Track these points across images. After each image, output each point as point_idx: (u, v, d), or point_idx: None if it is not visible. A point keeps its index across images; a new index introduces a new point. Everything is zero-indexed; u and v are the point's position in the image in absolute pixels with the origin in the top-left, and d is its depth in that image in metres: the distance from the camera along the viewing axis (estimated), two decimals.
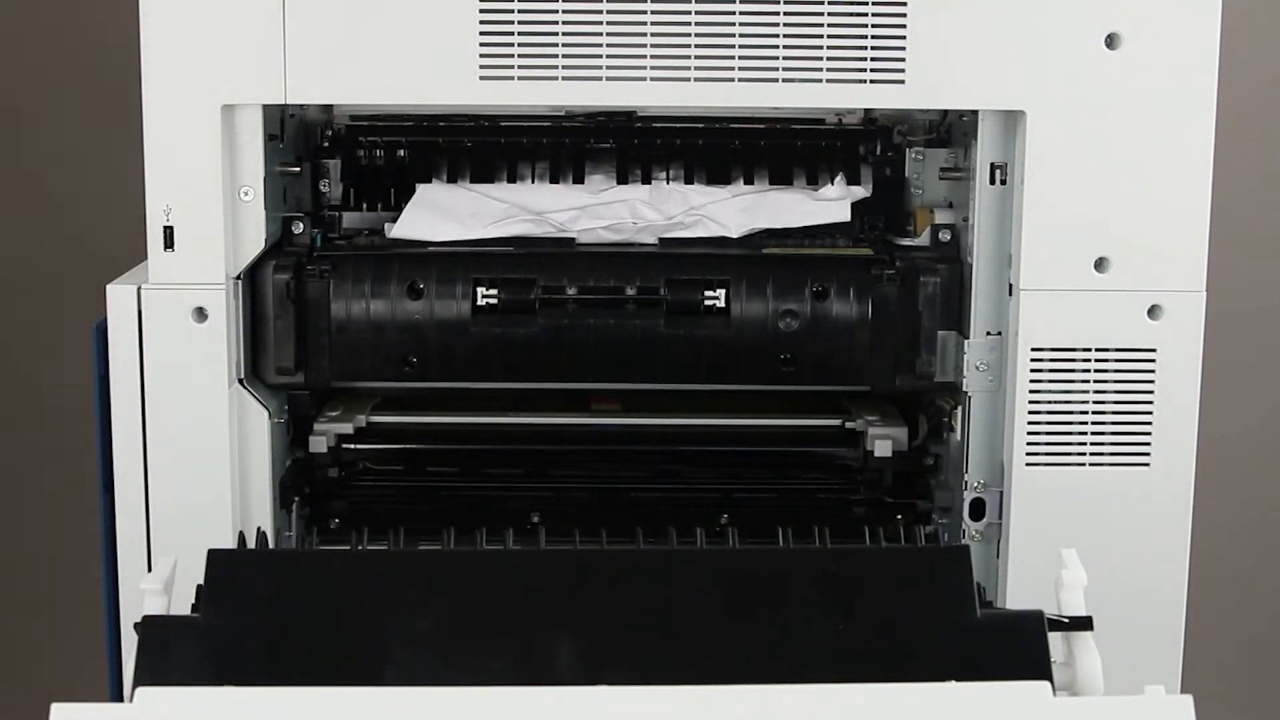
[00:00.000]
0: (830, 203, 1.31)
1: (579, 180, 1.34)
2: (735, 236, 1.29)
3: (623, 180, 1.34)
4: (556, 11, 1.18)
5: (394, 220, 1.31)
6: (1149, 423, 1.23)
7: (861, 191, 1.33)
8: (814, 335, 1.27)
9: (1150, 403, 1.23)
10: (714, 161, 1.34)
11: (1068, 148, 1.20)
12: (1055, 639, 1.00)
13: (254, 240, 1.22)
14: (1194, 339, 1.22)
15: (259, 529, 1.13)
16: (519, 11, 1.18)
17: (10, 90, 1.89)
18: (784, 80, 1.19)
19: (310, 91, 1.18)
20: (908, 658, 1.00)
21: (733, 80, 1.19)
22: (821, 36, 1.18)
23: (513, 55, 1.18)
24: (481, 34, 1.18)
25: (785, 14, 1.18)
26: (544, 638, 1.00)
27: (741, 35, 1.18)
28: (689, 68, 1.19)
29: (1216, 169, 1.20)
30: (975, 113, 1.24)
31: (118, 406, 1.22)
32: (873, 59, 1.18)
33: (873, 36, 1.18)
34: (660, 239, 1.30)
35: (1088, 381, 1.23)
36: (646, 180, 1.34)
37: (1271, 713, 2.10)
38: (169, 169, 1.19)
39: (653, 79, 1.19)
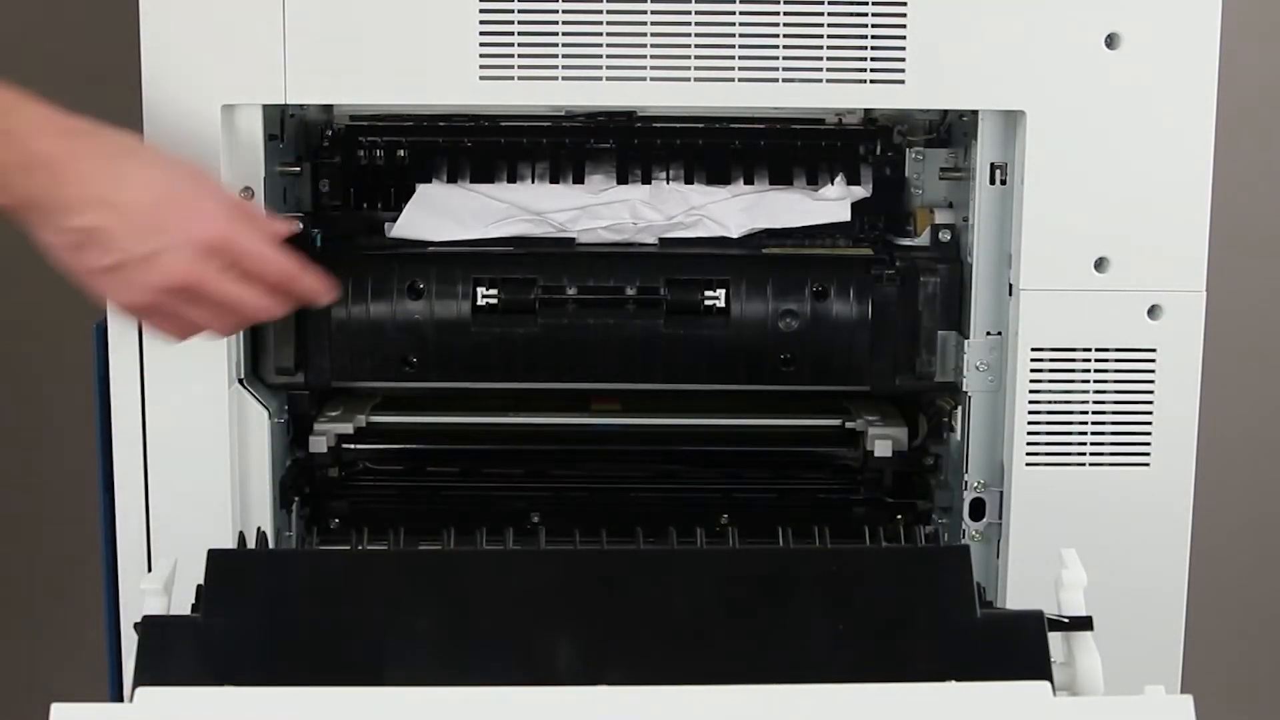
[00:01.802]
0: (830, 203, 1.30)
1: (579, 180, 1.34)
2: (735, 236, 1.29)
3: (623, 180, 1.34)
4: (556, 11, 1.18)
5: (394, 220, 1.31)
6: (1149, 423, 1.23)
7: (861, 191, 1.33)
8: (814, 335, 1.27)
9: (1150, 403, 1.23)
10: (714, 161, 1.34)
11: (1068, 148, 1.20)
12: (1055, 639, 1.00)
13: None
14: (1194, 339, 1.22)
15: (259, 529, 1.13)
16: (519, 11, 1.18)
17: None
18: (784, 80, 1.19)
19: (310, 91, 1.18)
20: (908, 658, 1.00)
21: (733, 80, 1.19)
22: (821, 36, 1.18)
23: (513, 55, 1.18)
24: (481, 34, 1.18)
25: (785, 14, 1.18)
26: (544, 637, 1.00)
27: (741, 35, 1.18)
28: (689, 68, 1.19)
29: (1216, 169, 1.20)
30: (975, 113, 1.24)
31: (118, 406, 1.22)
32: (873, 59, 1.18)
33: (873, 36, 1.18)
34: (660, 239, 1.30)
35: (1088, 381, 1.23)
36: (646, 180, 1.34)
37: (1271, 713, 2.10)
38: None
39: (653, 79, 1.19)
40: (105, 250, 1.06)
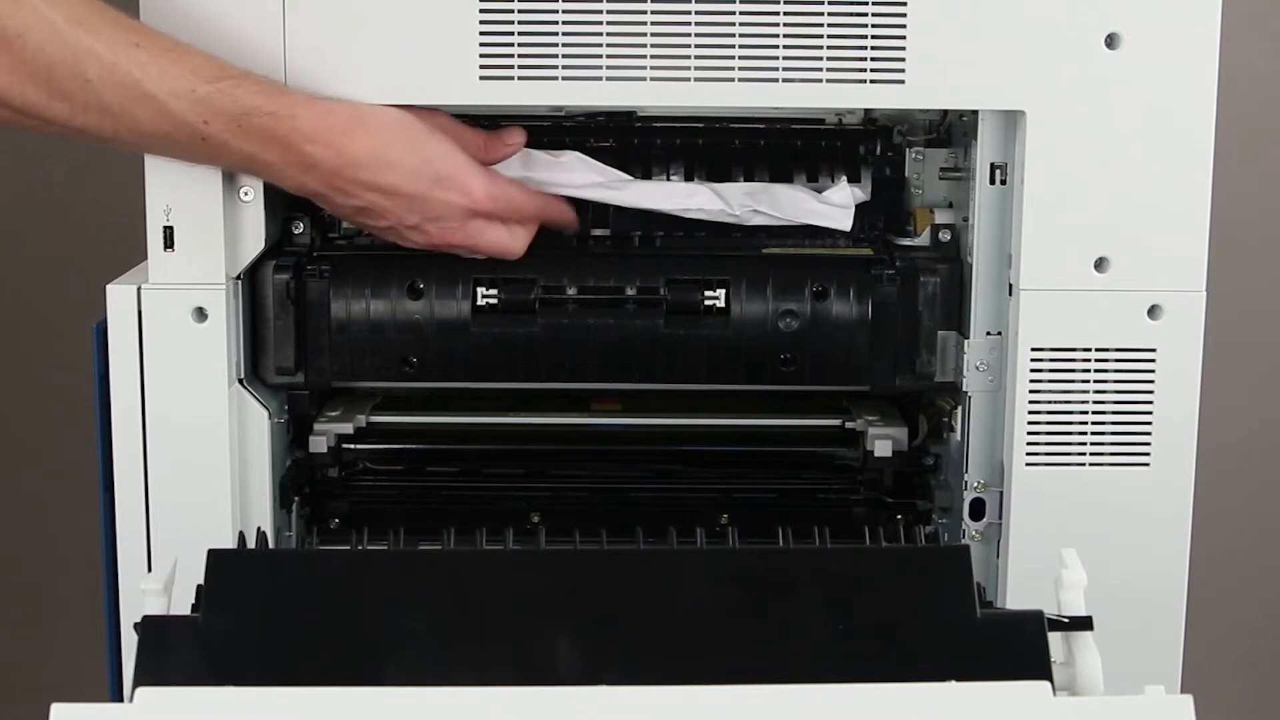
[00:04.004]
0: (834, 208, 1.30)
1: (576, 204, 1.33)
2: (735, 212, 1.28)
3: None
4: (556, 12, 1.18)
5: None
6: (1149, 423, 1.23)
7: (862, 195, 1.32)
8: (814, 335, 1.27)
9: (1150, 403, 1.23)
10: (714, 161, 1.34)
11: (1068, 148, 1.20)
12: (1055, 639, 1.00)
13: (254, 240, 1.22)
14: (1194, 339, 1.22)
15: (259, 529, 1.13)
16: (519, 11, 1.18)
17: None
18: (784, 80, 1.19)
19: (310, 91, 1.18)
20: (908, 658, 1.00)
21: (733, 80, 1.19)
22: (821, 36, 1.18)
23: (513, 55, 1.18)
24: (481, 34, 1.18)
25: (785, 14, 1.18)
26: (544, 637, 1.00)
27: (741, 35, 1.18)
28: (689, 68, 1.19)
29: (1216, 169, 1.20)
30: (975, 113, 1.24)
31: (118, 406, 1.22)
32: (873, 59, 1.18)
33: (873, 36, 1.18)
34: (659, 240, 1.30)
35: (1088, 381, 1.23)
36: (646, 179, 1.34)
37: (1271, 713, 2.10)
38: (169, 169, 1.19)
39: (653, 79, 1.19)
40: (377, 218, 1.20)
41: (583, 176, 1.29)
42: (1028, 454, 1.23)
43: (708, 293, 1.27)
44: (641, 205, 1.29)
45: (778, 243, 1.31)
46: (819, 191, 1.31)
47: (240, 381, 1.25)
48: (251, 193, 1.21)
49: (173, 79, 1.09)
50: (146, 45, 1.10)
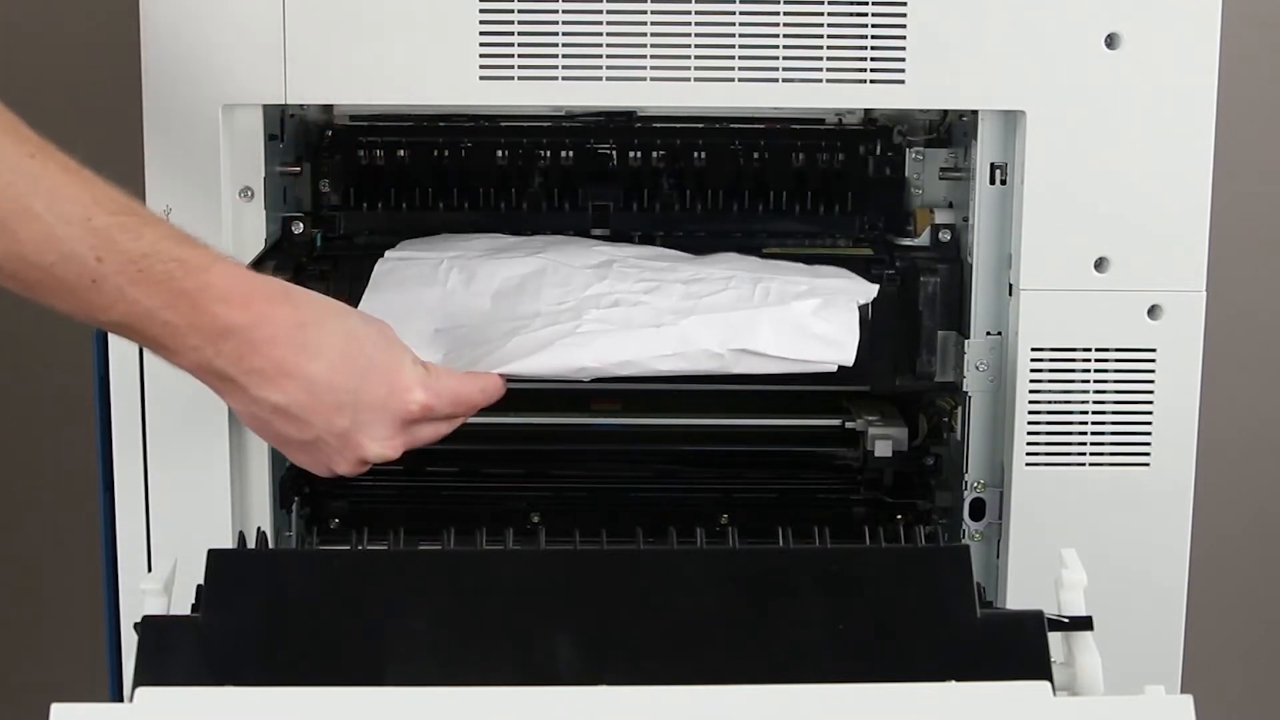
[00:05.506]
0: (834, 339, 1.17)
1: (572, 197, 1.33)
2: (721, 353, 1.14)
3: (626, 186, 1.33)
4: (556, 11, 1.18)
5: (393, 220, 1.31)
6: (1149, 423, 1.23)
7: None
8: None
9: (1150, 403, 1.23)
10: (714, 161, 1.34)
11: (1068, 148, 1.20)
12: (1055, 639, 1.00)
13: (254, 240, 1.22)
14: (1194, 339, 1.22)
15: (259, 529, 1.13)
16: (519, 11, 1.18)
17: (10, 90, 1.89)
18: (784, 80, 1.19)
19: (310, 91, 1.18)
20: (908, 658, 1.00)
21: (733, 80, 1.19)
22: (821, 36, 1.18)
23: (513, 55, 1.18)
24: (481, 34, 1.18)
25: (785, 14, 1.18)
26: (544, 637, 1.00)
27: (741, 35, 1.18)
28: (689, 68, 1.19)
29: (1216, 169, 1.20)
30: (975, 113, 1.24)
31: (118, 406, 1.22)
32: (873, 59, 1.18)
33: (873, 36, 1.18)
34: (659, 239, 1.30)
35: (1088, 381, 1.23)
36: (651, 190, 1.33)
37: (1271, 713, 2.10)
38: (169, 169, 1.19)
39: (653, 79, 1.19)
40: (299, 426, 1.02)
41: (535, 352, 1.15)
42: (1028, 454, 1.23)
43: None
44: (613, 364, 1.15)
45: (778, 243, 1.31)
46: (818, 274, 1.23)
47: None
48: (252, 193, 1.21)
49: (66, 201, 0.93)
50: (44, 159, 0.94)
